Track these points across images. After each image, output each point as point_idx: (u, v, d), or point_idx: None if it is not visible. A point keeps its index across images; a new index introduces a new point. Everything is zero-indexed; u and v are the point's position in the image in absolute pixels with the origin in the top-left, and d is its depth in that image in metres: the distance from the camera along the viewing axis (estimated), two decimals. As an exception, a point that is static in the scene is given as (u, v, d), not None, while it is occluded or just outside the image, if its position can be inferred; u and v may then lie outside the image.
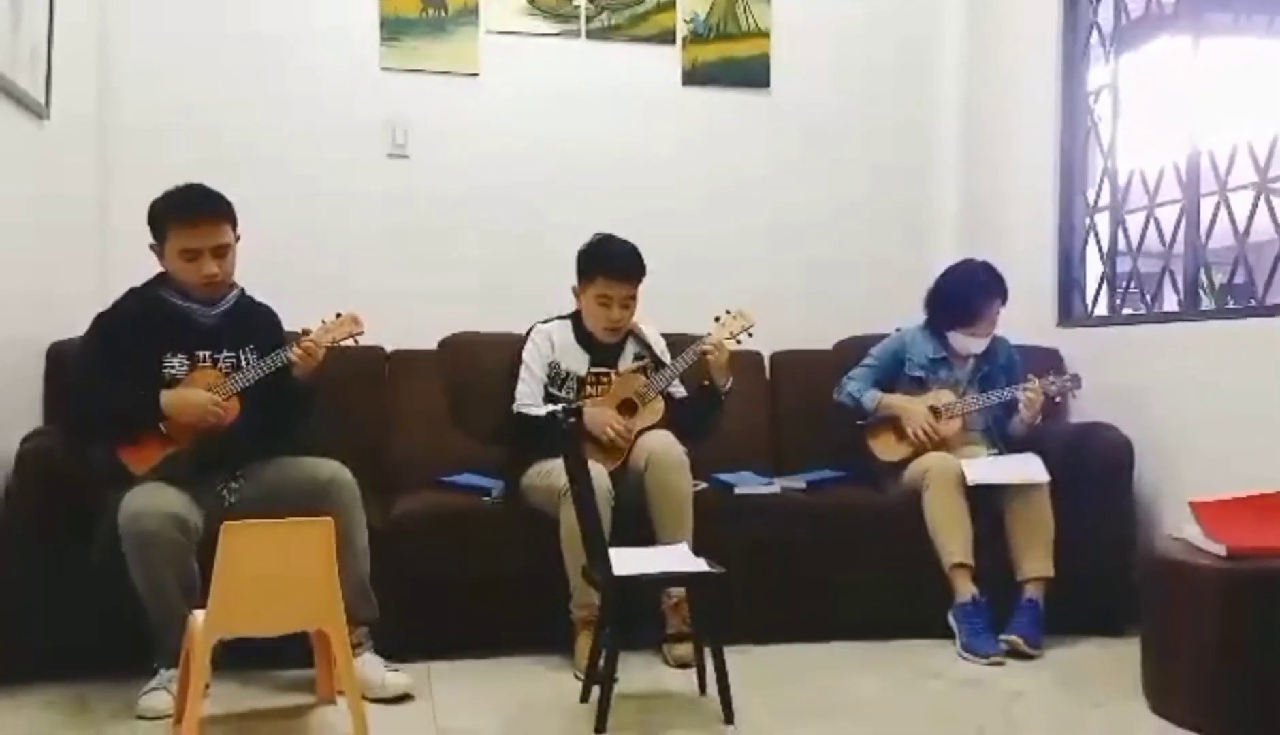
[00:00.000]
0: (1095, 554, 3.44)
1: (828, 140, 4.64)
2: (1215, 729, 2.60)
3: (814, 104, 4.62)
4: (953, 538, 3.38)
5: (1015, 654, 3.24)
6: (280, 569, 2.50)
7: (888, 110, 4.70)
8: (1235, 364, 3.31)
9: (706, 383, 3.48)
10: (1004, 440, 3.76)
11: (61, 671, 2.95)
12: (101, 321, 3.05)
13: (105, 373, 2.93)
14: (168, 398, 2.92)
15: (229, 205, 3.03)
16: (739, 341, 3.50)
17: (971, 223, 4.61)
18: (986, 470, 3.47)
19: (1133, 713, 2.79)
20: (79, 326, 3.08)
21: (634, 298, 3.47)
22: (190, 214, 2.97)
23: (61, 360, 3.34)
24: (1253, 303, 3.46)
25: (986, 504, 3.42)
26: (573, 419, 3.25)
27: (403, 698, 2.85)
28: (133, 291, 3.08)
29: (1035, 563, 3.37)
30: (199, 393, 2.95)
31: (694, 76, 4.53)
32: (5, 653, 2.96)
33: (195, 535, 2.78)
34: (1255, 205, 3.39)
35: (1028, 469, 3.44)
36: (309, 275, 3.94)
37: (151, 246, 3.02)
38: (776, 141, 4.60)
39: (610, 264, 3.43)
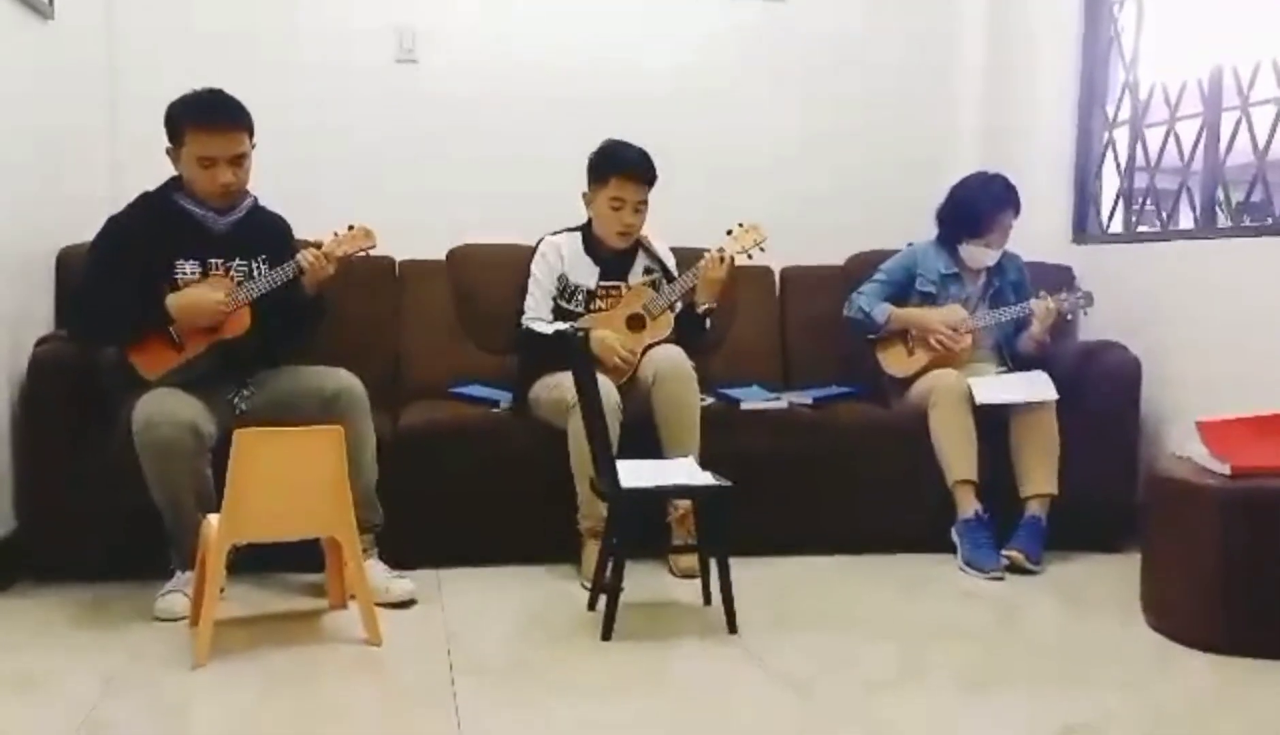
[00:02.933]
0: (1099, 472, 3.46)
1: (844, 51, 4.54)
2: (1212, 646, 2.64)
3: (831, 14, 4.52)
4: (958, 454, 3.40)
5: (1016, 569, 3.28)
6: (292, 476, 2.54)
7: (906, 21, 4.58)
8: (1249, 283, 3.29)
9: (693, 303, 3.47)
10: (1012, 357, 3.75)
11: (79, 573, 3.01)
12: (113, 224, 3.03)
13: (114, 275, 2.93)
14: (173, 299, 2.92)
15: (248, 114, 3.00)
16: (750, 255, 3.48)
17: (990, 137, 4.52)
18: (995, 390, 3.47)
19: (1130, 628, 2.83)
20: (90, 231, 3.07)
21: (645, 203, 3.45)
22: (209, 121, 2.94)
23: (73, 265, 3.34)
24: (1269, 221, 3.43)
25: (992, 420, 3.43)
26: (582, 334, 3.25)
27: (406, 603, 2.90)
28: (146, 196, 3.06)
29: (1039, 480, 3.39)
30: (203, 292, 2.94)
31: (709, -16, 4.44)
32: (24, 555, 3.03)
33: (209, 442, 2.81)
34: (1276, 122, 3.33)
35: (1036, 387, 3.45)
36: (316, 183, 3.92)
37: (167, 150, 2.99)
38: (792, 52, 4.50)
39: (624, 165, 3.41)
